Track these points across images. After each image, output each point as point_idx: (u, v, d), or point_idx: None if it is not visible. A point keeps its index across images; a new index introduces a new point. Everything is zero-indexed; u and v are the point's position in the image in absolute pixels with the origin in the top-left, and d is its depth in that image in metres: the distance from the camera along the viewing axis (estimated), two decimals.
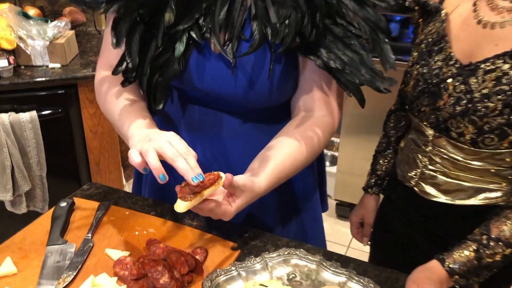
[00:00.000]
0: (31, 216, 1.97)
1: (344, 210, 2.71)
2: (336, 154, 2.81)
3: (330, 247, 1.24)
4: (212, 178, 0.78)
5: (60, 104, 1.93)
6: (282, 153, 0.91)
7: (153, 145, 0.78)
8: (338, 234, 2.63)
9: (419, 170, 1.04)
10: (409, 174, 1.07)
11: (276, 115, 1.02)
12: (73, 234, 0.96)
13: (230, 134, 1.01)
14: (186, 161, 0.76)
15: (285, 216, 1.11)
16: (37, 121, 1.85)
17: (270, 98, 0.95)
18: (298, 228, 1.14)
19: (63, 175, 2.06)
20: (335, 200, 2.71)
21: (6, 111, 1.82)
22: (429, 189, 1.03)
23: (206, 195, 0.79)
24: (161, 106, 0.93)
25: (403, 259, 1.16)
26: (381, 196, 1.28)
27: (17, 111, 1.83)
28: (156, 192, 1.13)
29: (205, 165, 1.02)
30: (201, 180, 0.76)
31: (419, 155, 1.04)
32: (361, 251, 2.46)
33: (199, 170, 0.77)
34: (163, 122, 1.05)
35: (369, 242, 1.33)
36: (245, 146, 1.01)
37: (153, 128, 0.89)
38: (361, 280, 0.85)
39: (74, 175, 2.08)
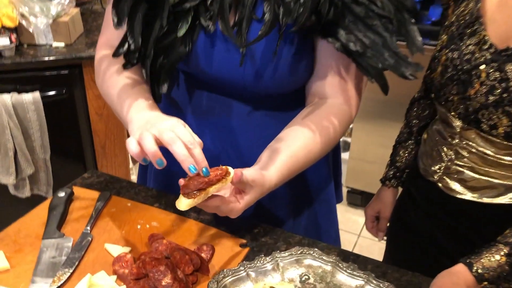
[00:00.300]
0: (36, 199, 1.93)
1: (356, 198, 2.64)
2: (348, 139, 2.73)
3: (341, 235, 1.18)
4: (220, 174, 0.71)
5: (64, 84, 1.86)
6: (295, 145, 0.84)
7: (152, 131, 0.70)
8: (349, 222, 2.57)
9: (443, 164, 0.96)
10: (433, 168, 0.99)
11: (289, 102, 0.95)
12: (71, 227, 0.90)
13: (240, 121, 0.94)
14: (191, 150, 0.69)
15: (298, 209, 1.05)
16: (40, 102, 1.79)
17: (281, 84, 0.88)
18: (311, 221, 1.08)
19: (68, 158, 2.00)
20: (346, 187, 2.64)
21: (8, 92, 1.75)
22: (454, 185, 0.95)
23: (212, 192, 0.72)
24: (165, 91, 0.86)
25: (422, 258, 1.09)
26: (400, 189, 1.20)
27: (19, 92, 1.77)
28: (161, 183, 1.07)
29: (213, 154, 0.96)
30: (204, 175, 0.68)
31: (445, 148, 0.96)
32: (373, 240, 2.39)
33: (205, 164, 0.69)
34: (169, 108, 0.99)
35: (384, 237, 1.26)
36: (255, 135, 0.94)
37: (155, 111, 0.81)
38: (380, 284, 0.78)
39: (79, 158, 2.02)
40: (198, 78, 0.92)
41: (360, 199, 2.62)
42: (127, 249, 0.84)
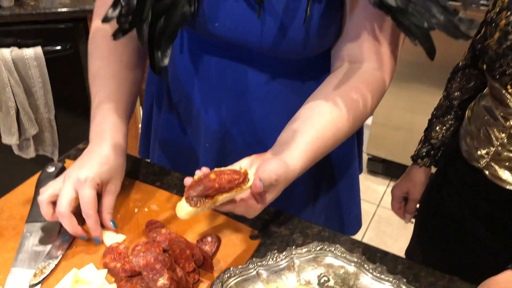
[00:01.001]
0: (42, 159, 1.85)
1: (377, 166, 2.51)
2: None
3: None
4: (234, 180, 0.57)
5: (69, 39, 1.74)
6: (321, 123, 0.70)
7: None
8: (368, 191, 2.45)
9: (493, 149, 0.82)
10: (479, 152, 0.85)
11: (313, 68, 0.81)
12: None
13: (255, 92, 0.81)
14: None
15: (318, 185, 0.94)
16: (43, 58, 1.67)
17: (306, 48, 0.74)
18: (332, 199, 0.97)
19: (74, 117, 1.90)
20: (367, 154, 2.50)
21: (7, 46, 1.63)
22: (504, 174, 0.81)
23: (221, 202, 0.59)
24: (166, 62, 0.72)
25: (454, 245, 0.97)
26: (433, 168, 1.07)
27: (20, 46, 1.65)
28: (167, 157, 0.95)
29: (224, 129, 0.84)
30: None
31: (495, 130, 0.82)
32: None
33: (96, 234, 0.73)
34: (172, 77, 0.86)
35: (412, 220, 1.14)
36: (273, 107, 0.82)
37: (99, 152, 0.76)
38: None
39: (85, 117, 1.89)
40: (206, 41, 0.79)
41: (381, 167, 2.50)
42: (121, 238, 0.74)
